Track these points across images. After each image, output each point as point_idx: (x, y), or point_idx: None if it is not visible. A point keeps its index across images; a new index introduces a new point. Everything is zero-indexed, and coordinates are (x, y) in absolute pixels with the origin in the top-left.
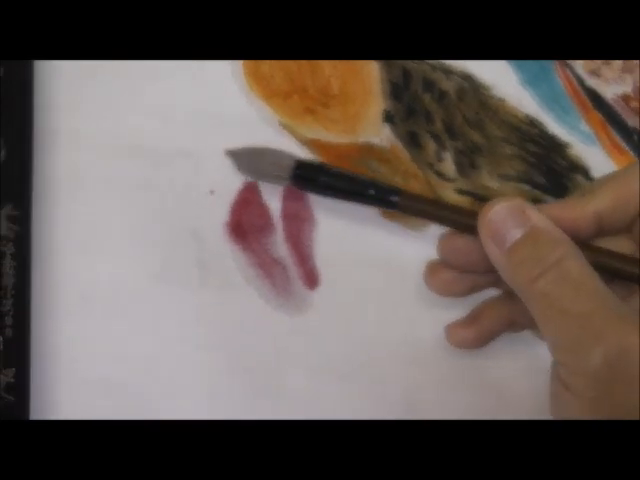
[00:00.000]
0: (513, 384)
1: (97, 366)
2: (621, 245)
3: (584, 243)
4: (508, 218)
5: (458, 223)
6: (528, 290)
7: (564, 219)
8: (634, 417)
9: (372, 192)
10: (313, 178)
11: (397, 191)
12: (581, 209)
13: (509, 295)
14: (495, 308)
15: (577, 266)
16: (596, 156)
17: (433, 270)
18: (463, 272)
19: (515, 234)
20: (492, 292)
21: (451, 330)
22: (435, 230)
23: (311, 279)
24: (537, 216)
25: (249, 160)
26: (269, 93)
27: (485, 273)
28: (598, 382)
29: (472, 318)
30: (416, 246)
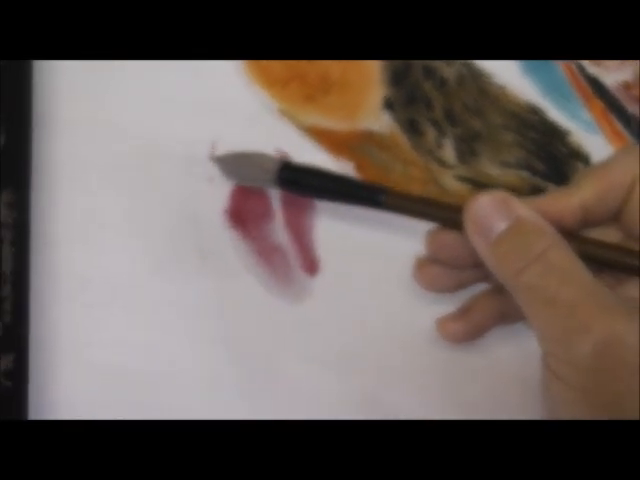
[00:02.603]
0: (513, 376)
1: (96, 353)
2: (608, 234)
3: (570, 234)
4: (493, 211)
5: (445, 219)
6: (515, 282)
7: (550, 212)
8: (623, 404)
9: (358, 192)
10: (298, 180)
11: (383, 190)
12: (566, 201)
13: (500, 288)
14: (486, 301)
15: (562, 256)
16: (597, 143)
17: (421, 266)
18: (451, 268)
19: (500, 226)
20: (484, 285)
21: (441, 323)
22: None
23: (311, 266)
24: (522, 208)
25: (234, 165)
26: (268, 80)
27: (473, 268)
28: (587, 371)
29: (463, 311)
30: (416, 233)
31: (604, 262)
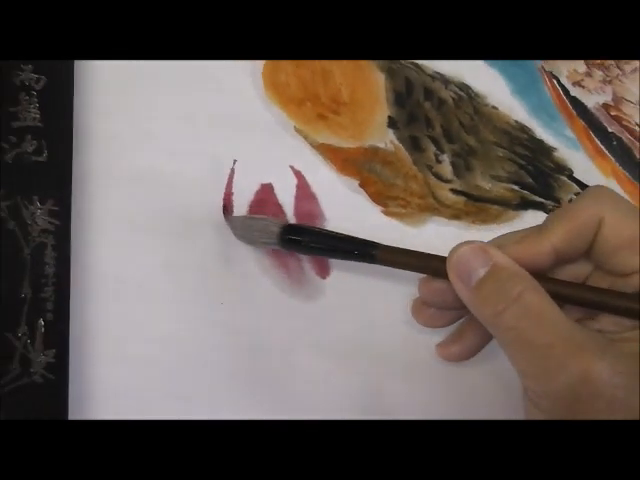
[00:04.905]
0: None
1: (130, 345)
2: (581, 267)
3: (542, 276)
4: (472, 258)
5: (431, 269)
6: (495, 324)
7: (525, 256)
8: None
9: (352, 248)
10: (299, 240)
11: (375, 245)
12: (539, 245)
13: None
14: (477, 323)
15: (537, 299)
16: (579, 159)
17: (417, 308)
18: (443, 309)
19: (479, 272)
20: None
21: (441, 348)
22: (431, 228)
23: (323, 269)
24: (498, 254)
25: (242, 228)
26: (285, 100)
27: (464, 307)
28: (564, 405)
29: (458, 334)
30: (414, 240)
31: (573, 301)
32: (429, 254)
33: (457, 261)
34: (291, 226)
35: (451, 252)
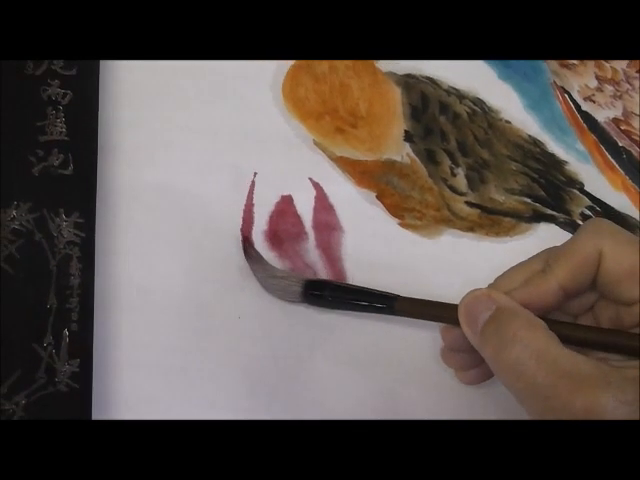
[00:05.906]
0: None
1: (153, 355)
2: (586, 298)
3: (546, 318)
4: (478, 304)
5: (448, 318)
6: (497, 364)
7: (534, 298)
8: None
9: (372, 301)
10: (320, 295)
11: (394, 297)
12: (546, 286)
13: None
14: None
15: (535, 337)
16: (590, 172)
17: (446, 356)
18: (470, 352)
19: (485, 317)
20: None
21: (460, 373)
22: (447, 240)
23: (340, 279)
24: (501, 297)
25: (265, 284)
26: (304, 114)
27: None
28: None
29: (476, 358)
30: (429, 251)
31: (577, 342)
32: (445, 304)
33: (465, 309)
34: (312, 282)
35: (460, 301)
